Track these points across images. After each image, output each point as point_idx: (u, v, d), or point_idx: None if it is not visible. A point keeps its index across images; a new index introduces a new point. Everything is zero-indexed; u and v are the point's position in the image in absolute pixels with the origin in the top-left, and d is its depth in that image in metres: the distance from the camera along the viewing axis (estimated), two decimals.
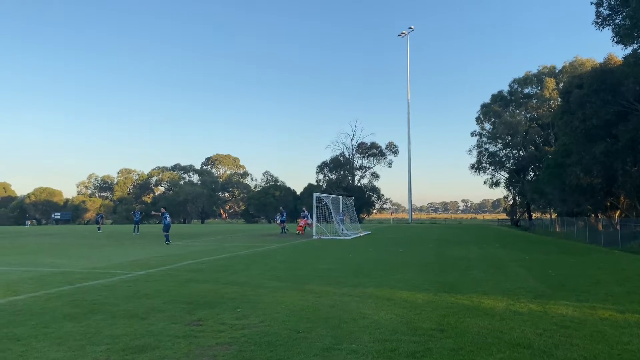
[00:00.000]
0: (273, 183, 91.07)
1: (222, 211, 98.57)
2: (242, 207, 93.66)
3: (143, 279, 11.03)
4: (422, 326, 6.46)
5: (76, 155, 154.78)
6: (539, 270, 13.04)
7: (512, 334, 6.06)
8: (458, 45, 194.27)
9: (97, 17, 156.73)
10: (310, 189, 72.90)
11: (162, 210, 26.16)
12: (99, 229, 40.58)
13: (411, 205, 78.13)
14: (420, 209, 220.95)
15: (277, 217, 36.73)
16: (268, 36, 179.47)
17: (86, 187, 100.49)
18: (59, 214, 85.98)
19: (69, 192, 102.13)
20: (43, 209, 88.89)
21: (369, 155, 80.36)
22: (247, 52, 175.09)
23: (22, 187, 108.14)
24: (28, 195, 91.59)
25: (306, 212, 34.89)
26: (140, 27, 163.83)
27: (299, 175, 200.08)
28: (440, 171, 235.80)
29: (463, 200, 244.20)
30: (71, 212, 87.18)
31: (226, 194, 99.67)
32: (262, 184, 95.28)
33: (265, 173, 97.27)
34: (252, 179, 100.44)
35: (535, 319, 6.97)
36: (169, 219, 24.49)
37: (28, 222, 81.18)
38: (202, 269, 13.15)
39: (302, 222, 33.60)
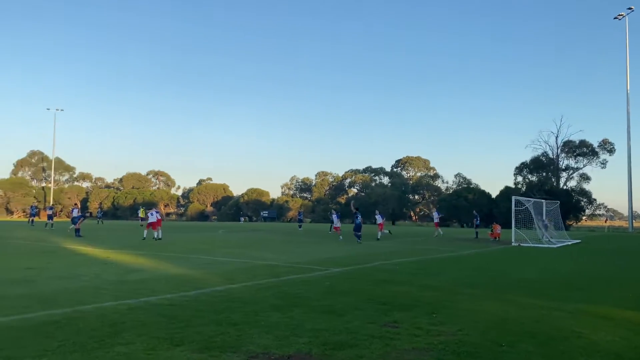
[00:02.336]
0: (465, 185, 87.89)
1: (411, 213, 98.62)
2: (433, 210, 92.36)
3: (339, 276, 11.48)
4: None
5: (280, 159, 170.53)
6: None
7: None
8: None
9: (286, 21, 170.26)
10: (507, 192, 68.41)
11: (354, 210, 27.20)
12: (299, 226, 43.95)
13: (631, 211, 67.81)
14: None
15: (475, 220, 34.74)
16: (463, 34, 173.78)
17: (289, 188, 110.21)
18: (267, 212, 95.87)
19: (275, 192, 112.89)
20: (253, 208, 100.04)
21: (578, 154, 72.05)
22: (438, 51, 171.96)
23: (237, 188, 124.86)
24: (242, 195, 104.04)
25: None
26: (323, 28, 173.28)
27: (494, 178, 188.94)
28: None
29: None
30: (276, 211, 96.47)
31: (416, 196, 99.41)
32: (454, 186, 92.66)
33: (457, 175, 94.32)
34: (442, 181, 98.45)
35: None
36: (360, 219, 25.27)
37: (242, 218, 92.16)
38: (395, 270, 13.18)
39: (497, 228, 31.58)
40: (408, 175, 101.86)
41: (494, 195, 77.31)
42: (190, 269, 12.43)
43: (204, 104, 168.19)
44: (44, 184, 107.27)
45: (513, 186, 73.53)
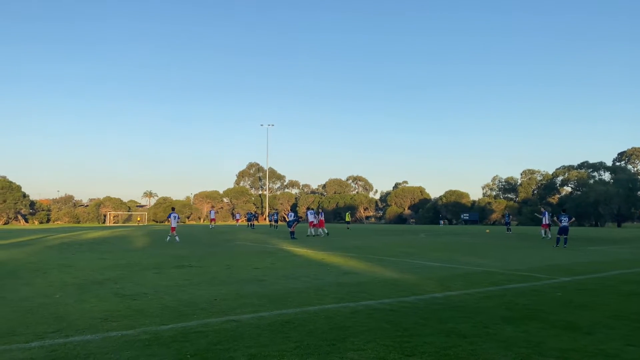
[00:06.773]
0: None
1: None
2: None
3: (572, 287, 10.07)
4: None
5: (479, 159, 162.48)
6: None
7: None
8: None
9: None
10: None
11: (562, 211, 25.05)
12: (508, 229, 41.00)
13: None
14: None
15: None
16: None
17: (490, 189, 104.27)
18: (467, 214, 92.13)
19: (475, 194, 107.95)
20: (453, 210, 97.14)
21: None
22: None
23: (434, 191, 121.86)
24: (440, 198, 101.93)
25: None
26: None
27: None
28: None
29: None
30: (478, 213, 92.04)
31: None
32: None
33: None
34: None
35: None
36: (565, 222, 22.67)
37: (441, 221, 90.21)
38: None
39: None
40: (635, 169, 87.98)
41: None
42: (403, 273, 12.26)
43: (398, 108, 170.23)
44: (260, 192, 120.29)
45: None
